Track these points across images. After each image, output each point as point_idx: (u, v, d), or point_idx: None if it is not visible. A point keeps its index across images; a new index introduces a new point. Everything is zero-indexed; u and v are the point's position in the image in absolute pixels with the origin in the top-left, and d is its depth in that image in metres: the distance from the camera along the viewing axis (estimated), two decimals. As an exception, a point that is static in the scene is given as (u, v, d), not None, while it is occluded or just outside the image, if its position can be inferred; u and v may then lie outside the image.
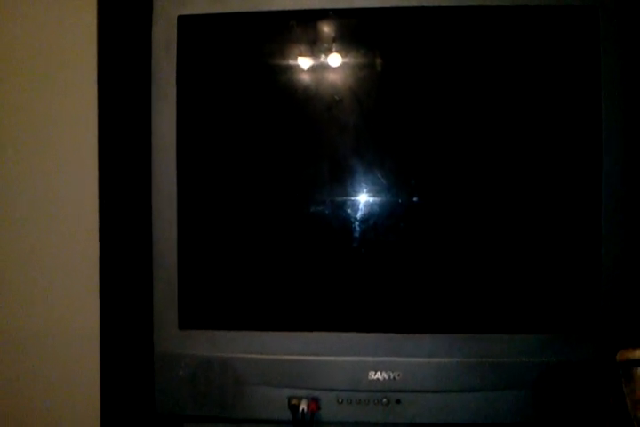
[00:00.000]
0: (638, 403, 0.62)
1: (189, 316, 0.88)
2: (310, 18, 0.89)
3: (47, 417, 0.99)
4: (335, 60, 0.88)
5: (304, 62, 0.89)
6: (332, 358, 0.86)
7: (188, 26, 0.89)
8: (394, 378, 0.86)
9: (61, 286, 0.94)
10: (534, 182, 0.87)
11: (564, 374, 0.84)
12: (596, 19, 0.84)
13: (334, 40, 0.88)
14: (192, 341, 0.88)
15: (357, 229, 0.88)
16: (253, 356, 0.87)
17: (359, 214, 0.88)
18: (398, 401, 0.86)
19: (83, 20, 0.94)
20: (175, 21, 0.89)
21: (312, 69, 0.88)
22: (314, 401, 0.86)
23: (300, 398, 0.86)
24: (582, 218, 0.86)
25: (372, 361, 0.86)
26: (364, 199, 0.88)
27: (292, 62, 0.89)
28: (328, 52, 0.88)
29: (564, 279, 0.87)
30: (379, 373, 0.86)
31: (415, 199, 0.88)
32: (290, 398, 0.86)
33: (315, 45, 0.88)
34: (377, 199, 0.88)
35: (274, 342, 0.87)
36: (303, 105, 0.89)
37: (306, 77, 0.89)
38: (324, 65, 0.88)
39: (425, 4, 0.86)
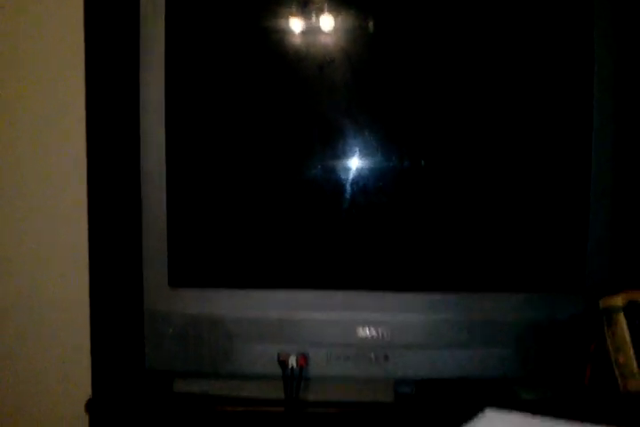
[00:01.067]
0: (618, 348, 0.64)
1: (179, 274, 0.89)
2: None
3: (38, 376, 1.01)
4: (328, 19, 0.87)
5: (296, 21, 0.87)
6: (321, 314, 0.87)
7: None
8: (382, 335, 0.87)
9: (50, 244, 0.94)
10: (523, 144, 0.87)
11: (551, 330, 0.86)
12: None
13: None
14: (182, 299, 0.88)
15: (348, 188, 0.88)
16: (243, 313, 0.88)
17: (349, 174, 0.88)
18: (386, 357, 0.88)
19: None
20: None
21: (304, 28, 0.87)
22: (303, 357, 0.87)
23: (289, 354, 0.87)
24: (570, 177, 0.87)
25: (361, 318, 0.87)
26: (352, 159, 0.88)
27: (283, 21, 0.87)
28: (321, 10, 0.87)
29: (552, 238, 0.88)
30: (367, 329, 0.87)
31: (406, 160, 0.88)
32: (279, 354, 0.87)
33: (308, 3, 0.87)
34: (366, 159, 0.88)
35: (264, 300, 0.88)
36: (295, 65, 0.88)
37: (298, 37, 0.88)
38: (317, 24, 0.87)
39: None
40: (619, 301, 0.65)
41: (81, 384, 0.94)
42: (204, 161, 0.89)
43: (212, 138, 0.89)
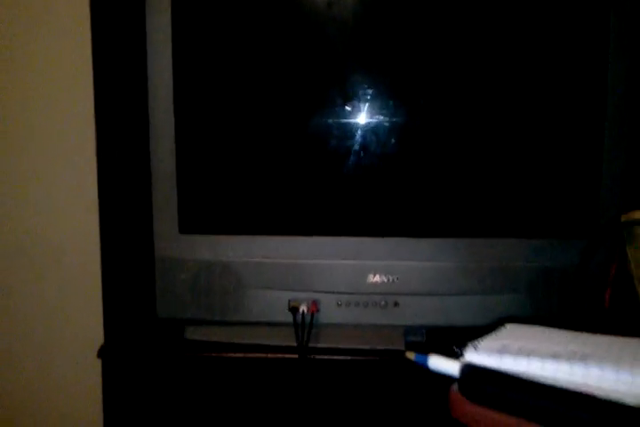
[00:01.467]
0: None
1: (190, 220, 0.89)
2: None
3: (50, 322, 1.01)
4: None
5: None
6: (332, 261, 0.87)
7: None
8: (392, 281, 0.87)
9: (60, 191, 0.94)
10: (536, 93, 0.86)
11: (563, 276, 0.86)
12: None
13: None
14: (193, 245, 0.88)
15: (359, 134, 0.87)
16: (254, 260, 0.88)
17: (358, 120, 0.87)
18: (396, 304, 0.88)
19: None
20: None
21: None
22: (314, 303, 0.87)
23: (300, 301, 0.87)
24: (585, 128, 0.86)
25: (372, 264, 0.87)
26: (362, 105, 0.87)
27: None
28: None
29: (564, 185, 0.87)
30: (378, 276, 0.87)
31: (415, 106, 0.87)
32: (290, 301, 0.87)
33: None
34: (375, 105, 0.87)
35: (275, 247, 0.88)
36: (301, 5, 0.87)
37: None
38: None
39: None
40: (640, 214, 0.64)
41: (93, 331, 0.94)
42: (212, 106, 0.88)
43: (219, 83, 0.87)
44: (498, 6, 0.85)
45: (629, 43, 0.84)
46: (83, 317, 0.98)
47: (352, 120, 0.87)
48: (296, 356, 0.86)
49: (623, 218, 0.65)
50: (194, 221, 0.89)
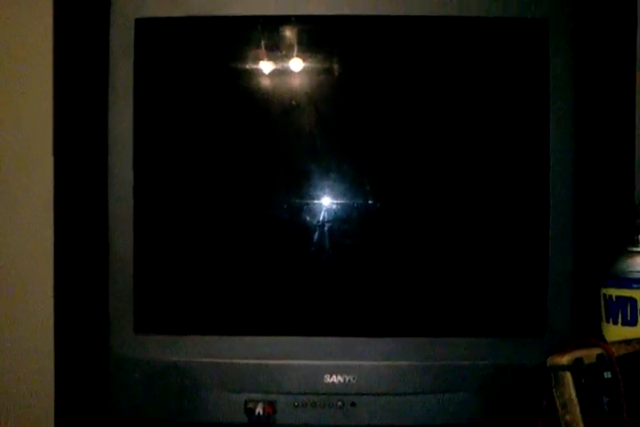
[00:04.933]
0: (565, 406, 0.64)
1: (145, 320, 0.88)
2: (271, 23, 0.89)
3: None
4: (294, 65, 0.89)
5: (261, 67, 0.89)
6: (289, 361, 0.87)
7: (146, 29, 0.89)
8: (349, 381, 0.87)
9: (14, 288, 0.93)
10: (486, 191, 0.89)
11: (514, 377, 0.86)
12: (546, 33, 0.86)
13: (294, 46, 0.89)
14: (148, 345, 0.88)
15: (313, 233, 0.89)
16: (210, 360, 0.87)
17: (315, 219, 0.89)
18: (353, 404, 0.88)
19: (39, 22, 0.93)
20: (133, 24, 0.88)
21: (270, 75, 0.89)
22: (269, 405, 0.86)
23: (256, 402, 0.86)
24: (530, 227, 0.88)
25: (328, 365, 0.87)
26: (318, 203, 0.89)
27: (249, 67, 0.89)
28: (287, 57, 0.89)
29: (515, 287, 0.89)
30: (334, 376, 0.87)
31: (369, 203, 0.89)
32: (246, 402, 0.87)
33: (274, 51, 0.89)
34: (331, 204, 0.89)
35: (230, 347, 0.87)
36: (261, 108, 0.89)
37: (263, 82, 0.89)
38: (283, 71, 0.89)
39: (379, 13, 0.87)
40: (564, 359, 0.65)
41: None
42: (172, 206, 0.89)
43: (178, 185, 0.89)
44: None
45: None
46: (33, 417, 0.96)
47: (305, 221, 0.88)
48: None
49: (548, 362, 0.66)
50: (149, 320, 0.88)
